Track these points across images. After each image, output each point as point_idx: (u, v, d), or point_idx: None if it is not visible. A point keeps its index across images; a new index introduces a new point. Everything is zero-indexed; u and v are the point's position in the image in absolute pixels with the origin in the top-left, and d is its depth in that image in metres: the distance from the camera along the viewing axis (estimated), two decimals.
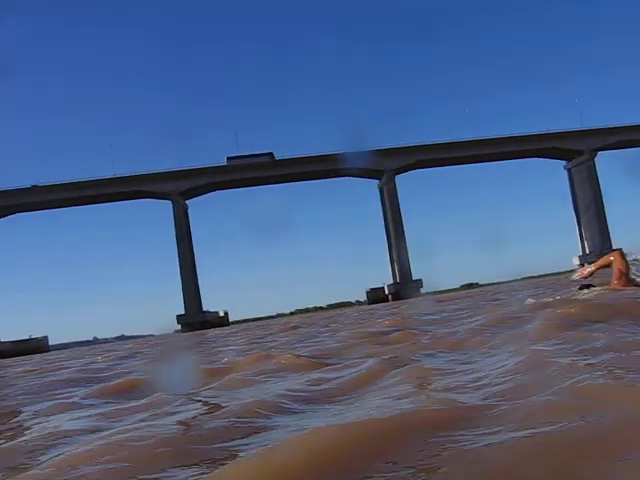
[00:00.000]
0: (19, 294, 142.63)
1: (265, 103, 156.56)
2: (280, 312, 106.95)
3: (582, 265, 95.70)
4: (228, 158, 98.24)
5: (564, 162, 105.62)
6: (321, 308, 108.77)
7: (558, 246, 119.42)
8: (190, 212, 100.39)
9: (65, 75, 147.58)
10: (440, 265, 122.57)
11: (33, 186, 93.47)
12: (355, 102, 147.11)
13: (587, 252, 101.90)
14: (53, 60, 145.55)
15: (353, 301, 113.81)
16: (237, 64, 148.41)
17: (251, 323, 69.86)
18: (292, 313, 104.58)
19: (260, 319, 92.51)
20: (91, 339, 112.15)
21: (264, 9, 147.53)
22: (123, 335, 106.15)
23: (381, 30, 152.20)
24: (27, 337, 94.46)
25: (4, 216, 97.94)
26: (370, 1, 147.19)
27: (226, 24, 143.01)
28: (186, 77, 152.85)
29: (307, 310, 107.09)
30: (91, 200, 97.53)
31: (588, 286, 7.99)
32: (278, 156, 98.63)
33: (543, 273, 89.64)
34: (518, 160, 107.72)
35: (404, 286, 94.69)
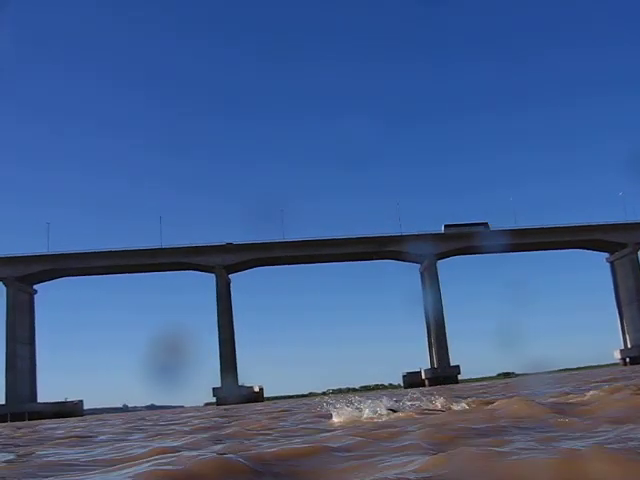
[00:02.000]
0: (55, 354, 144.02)
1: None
2: (312, 391, 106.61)
3: (623, 359, 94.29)
4: (446, 226, 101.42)
5: (606, 254, 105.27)
6: (354, 389, 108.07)
7: (599, 339, 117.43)
8: (232, 285, 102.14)
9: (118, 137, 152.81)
10: (478, 352, 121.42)
11: (88, 253, 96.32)
12: (395, 184, 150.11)
13: (629, 346, 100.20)
14: (104, 121, 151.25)
15: (387, 384, 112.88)
16: None
17: (283, 401, 70.05)
18: (324, 393, 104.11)
19: (292, 397, 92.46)
20: (121, 406, 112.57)
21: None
22: (153, 405, 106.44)
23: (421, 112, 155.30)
24: (63, 400, 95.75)
25: (54, 279, 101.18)
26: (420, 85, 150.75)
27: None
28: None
29: (340, 391, 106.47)
30: (139, 269, 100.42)
31: (395, 410, 9.41)
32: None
33: (583, 365, 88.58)
34: (560, 251, 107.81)
35: (442, 372, 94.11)
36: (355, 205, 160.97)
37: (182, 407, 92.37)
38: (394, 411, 9.47)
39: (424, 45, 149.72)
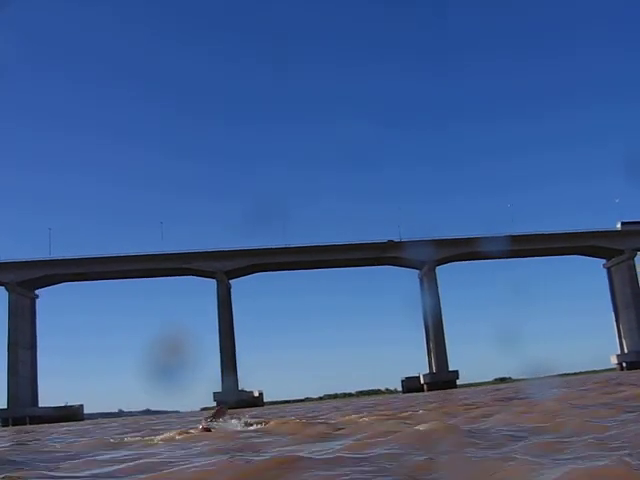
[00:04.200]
0: (56, 359, 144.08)
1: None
2: (309, 396, 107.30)
3: (620, 364, 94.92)
4: (622, 223, 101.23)
5: (603, 260, 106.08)
6: (350, 395, 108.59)
7: (596, 344, 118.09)
8: (232, 290, 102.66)
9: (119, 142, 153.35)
10: (476, 357, 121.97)
11: (89, 258, 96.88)
12: (394, 186, 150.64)
13: (626, 351, 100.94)
14: (105, 126, 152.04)
15: (383, 389, 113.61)
16: None
17: (280, 406, 70.90)
18: (321, 398, 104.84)
19: (288, 402, 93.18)
20: (116, 411, 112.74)
21: None
22: (149, 409, 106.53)
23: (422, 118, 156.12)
24: (64, 404, 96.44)
25: (55, 284, 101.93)
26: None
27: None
28: None
29: (336, 396, 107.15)
30: (139, 274, 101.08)
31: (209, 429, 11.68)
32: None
33: (579, 371, 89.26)
34: (558, 257, 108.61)
35: (440, 377, 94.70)
36: (356, 210, 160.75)
37: (178, 412, 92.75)
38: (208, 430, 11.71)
39: (425, 49, 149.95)
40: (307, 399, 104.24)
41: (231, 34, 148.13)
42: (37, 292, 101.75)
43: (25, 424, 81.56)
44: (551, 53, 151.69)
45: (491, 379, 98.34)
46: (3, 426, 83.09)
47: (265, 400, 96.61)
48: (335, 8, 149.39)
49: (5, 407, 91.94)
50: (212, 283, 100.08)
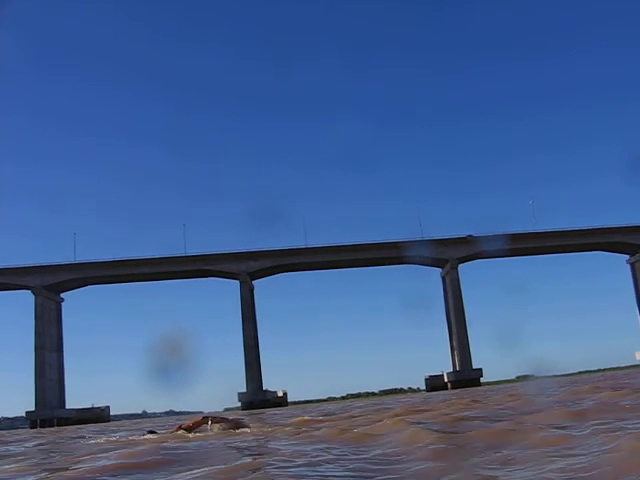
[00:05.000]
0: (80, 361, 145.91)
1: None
2: (331, 396, 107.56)
3: None
4: None
5: (627, 256, 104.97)
6: (373, 394, 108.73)
7: (620, 340, 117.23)
8: (255, 291, 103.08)
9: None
10: (500, 355, 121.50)
11: (114, 261, 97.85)
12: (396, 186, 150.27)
13: None
14: (128, 130, 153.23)
15: (406, 388, 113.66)
16: None
17: (302, 405, 71.32)
18: (344, 397, 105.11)
19: (311, 402, 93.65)
20: (140, 412, 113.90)
21: None
22: (172, 410, 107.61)
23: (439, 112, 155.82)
24: (90, 406, 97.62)
25: (80, 287, 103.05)
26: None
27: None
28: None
29: (359, 395, 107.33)
30: (163, 277, 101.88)
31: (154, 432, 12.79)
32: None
33: (602, 368, 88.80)
34: (578, 253, 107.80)
35: (464, 375, 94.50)
36: (358, 210, 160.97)
37: (201, 412, 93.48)
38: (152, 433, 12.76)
39: (426, 48, 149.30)
40: (330, 399, 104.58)
41: (233, 33, 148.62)
42: (62, 295, 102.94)
43: (53, 426, 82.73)
44: (552, 54, 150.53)
45: (513, 377, 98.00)
46: (31, 428, 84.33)
47: (289, 400, 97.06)
48: (337, 7, 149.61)
49: (33, 409, 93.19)
50: (234, 284, 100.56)
